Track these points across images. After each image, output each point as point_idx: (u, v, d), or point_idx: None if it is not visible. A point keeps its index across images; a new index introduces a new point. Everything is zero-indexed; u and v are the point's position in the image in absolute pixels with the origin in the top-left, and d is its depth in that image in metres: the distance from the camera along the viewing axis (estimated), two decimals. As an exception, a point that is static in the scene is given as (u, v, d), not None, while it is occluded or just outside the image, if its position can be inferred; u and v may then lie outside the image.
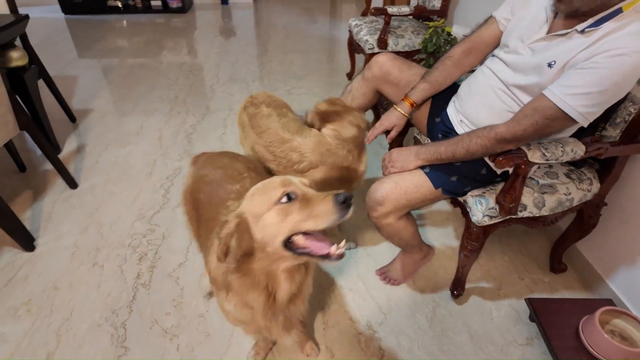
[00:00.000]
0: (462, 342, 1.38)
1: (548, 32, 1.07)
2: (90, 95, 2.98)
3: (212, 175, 1.17)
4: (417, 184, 1.24)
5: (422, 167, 1.26)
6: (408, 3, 3.33)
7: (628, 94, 1.19)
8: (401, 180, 1.24)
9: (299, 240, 0.79)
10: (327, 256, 0.80)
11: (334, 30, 4.53)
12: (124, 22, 4.74)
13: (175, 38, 4.24)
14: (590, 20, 0.98)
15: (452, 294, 1.52)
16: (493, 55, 1.26)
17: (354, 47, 2.97)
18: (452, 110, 1.36)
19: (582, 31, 0.99)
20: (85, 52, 3.79)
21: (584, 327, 1.31)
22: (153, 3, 5.02)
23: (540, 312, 1.39)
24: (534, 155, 1.11)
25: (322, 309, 1.48)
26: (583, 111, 0.99)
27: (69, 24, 4.62)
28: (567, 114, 1.00)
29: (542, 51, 1.07)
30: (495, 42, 1.29)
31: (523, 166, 1.14)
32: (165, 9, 5.03)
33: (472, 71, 1.40)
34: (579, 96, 0.97)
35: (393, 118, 1.43)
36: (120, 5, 4.94)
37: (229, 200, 1.01)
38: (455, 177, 1.24)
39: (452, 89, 1.41)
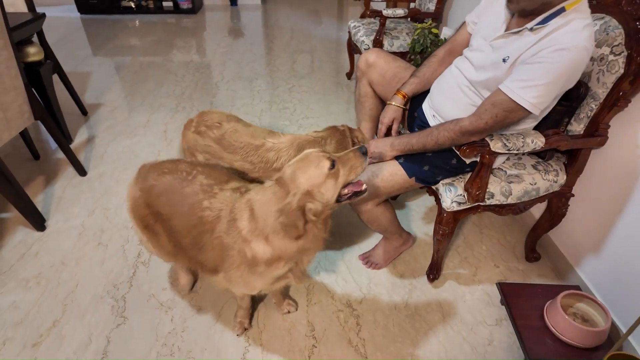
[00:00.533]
0: (434, 321, 1.48)
1: (505, 30, 1.18)
2: (102, 90, 3.14)
3: (161, 184, 1.18)
4: (392, 172, 1.35)
5: (396, 158, 1.36)
6: (409, 6, 3.43)
7: (590, 90, 1.29)
8: (377, 170, 1.35)
9: (343, 190, 1.06)
10: (362, 192, 1.09)
11: (338, 31, 4.65)
12: (137, 21, 4.92)
13: (184, 37, 4.40)
14: (539, 19, 1.09)
15: (428, 277, 1.62)
16: (462, 55, 1.37)
17: (352, 47, 3.08)
18: (426, 105, 1.47)
19: (532, 29, 1.10)
20: (99, 50, 3.97)
21: (548, 309, 1.39)
22: (165, 4, 5.20)
23: (509, 295, 1.48)
24: (496, 146, 1.21)
25: (307, 287, 1.59)
26: (534, 102, 1.09)
27: (84, 23, 4.82)
28: (520, 106, 1.10)
29: (499, 48, 1.18)
30: (467, 43, 1.40)
31: (487, 155, 1.24)
32: (176, 9, 5.20)
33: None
34: (529, 89, 1.08)
35: (390, 112, 1.51)
36: (133, 5, 5.13)
37: (204, 199, 1.12)
38: (427, 167, 1.35)
39: (426, 90, 1.53)
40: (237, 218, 1.07)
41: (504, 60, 1.14)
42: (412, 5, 3.02)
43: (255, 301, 1.53)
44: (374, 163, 1.39)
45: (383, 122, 1.52)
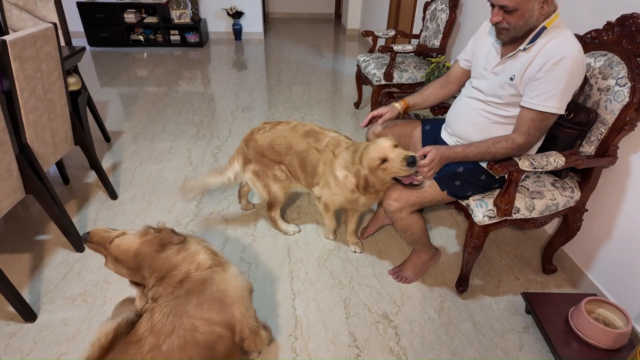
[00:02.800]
0: (466, 329, 1.58)
1: (501, 59, 1.42)
2: (121, 119, 3.26)
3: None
4: (428, 184, 1.49)
5: None
6: (409, 42, 3.70)
7: (599, 116, 1.48)
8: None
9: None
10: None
11: (338, 64, 4.92)
12: (145, 54, 5.12)
13: (194, 69, 4.59)
14: (528, 40, 1.33)
15: (457, 289, 1.73)
16: (469, 85, 1.59)
17: (361, 79, 3.29)
18: (445, 135, 1.68)
19: (524, 49, 1.34)
20: (113, 81, 4.12)
21: (573, 314, 1.52)
22: (172, 38, 5.43)
23: (535, 304, 1.60)
24: (524, 164, 1.37)
25: (343, 301, 1.68)
26: (559, 106, 1.31)
27: (94, 55, 4.99)
28: (550, 113, 1.32)
29: (502, 72, 1.42)
30: (462, 77, 1.69)
31: (515, 173, 1.40)
32: (184, 42, 5.43)
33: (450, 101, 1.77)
34: (549, 99, 1.30)
35: (388, 107, 1.72)
36: (142, 39, 5.34)
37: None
38: (459, 182, 1.50)
39: (435, 130, 1.75)
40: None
41: (511, 79, 1.37)
42: (413, 41, 3.27)
43: (298, 316, 1.61)
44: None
45: (379, 110, 1.71)
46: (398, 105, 1.72)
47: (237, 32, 5.80)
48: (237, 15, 5.61)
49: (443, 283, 1.79)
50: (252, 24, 5.86)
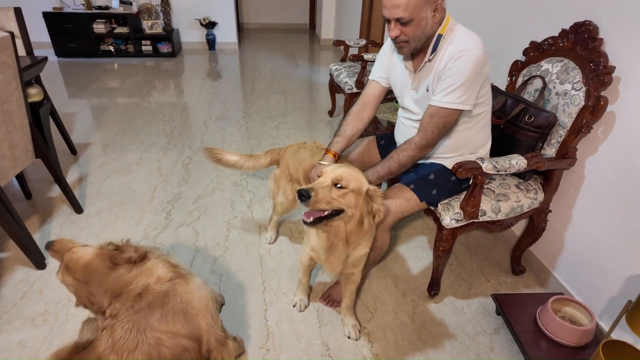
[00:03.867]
0: (439, 333, 1.58)
1: (414, 72, 1.44)
2: (89, 130, 3.17)
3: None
4: (407, 198, 1.49)
5: (407, 185, 1.51)
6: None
7: (558, 119, 1.52)
8: (394, 196, 1.49)
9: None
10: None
11: (313, 73, 4.95)
12: (115, 64, 5.02)
13: (167, 79, 4.53)
14: (429, 51, 1.36)
15: (429, 293, 1.74)
16: (400, 108, 1.60)
17: (334, 88, 3.32)
18: None
19: (429, 60, 1.37)
20: (82, 92, 4.01)
21: (540, 314, 1.54)
22: (144, 48, 5.35)
23: (504, 305, 1.62)
24: (487, 167, 1.40)
25: (316, 310, 1.66)
26: (460, 101, 1.32)
27: (62, 66, 4.86)
28: (451, 109, 1.33)
29: (418, 87, 1.45)
30: (379, 96, 1.61)
31: (479, 176, 1.42)
32: (156, 53, 5.36)
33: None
34: (450, 94, 1.31)
35: (316, 169, 1.54)
36: (112, 49, 5.24)
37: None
38: (435, 190, 1.51)
39: (390, 143, 1.73)
40: None
41: (427, 90, 1.40)
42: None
43: (270, 327, 1.58)
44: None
45: (314, 178, 1.53)
46: (327, 162, 1.55)
47: (211, 42, 5.77)
48: (210, 25, 5.59)
49: (416, 287, 1.80)
50: (226, 34, 5.85)
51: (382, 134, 1.82)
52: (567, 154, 1.53)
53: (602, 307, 1.53)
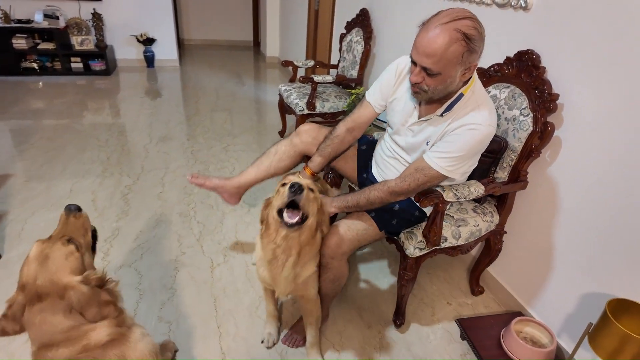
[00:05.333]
0: (408, 366, 1.54)
1: (419, 118, 1.37)
2: (9, 159, 2.81)
3: None
4: (366, 226, 1.44)
5: (369, 212, 1.46)
6: (328, 72, 3.76)
7: (508, 144, 1.57)
8: (352, 225, 1.42)
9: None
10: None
11: (260, 92, 4.85)
12: (40, 83, 4.56)
13: (100, 100, 4.19)
14: (444, 106, 1.29)
15: (395, 323, 1.70)
16: (388, 137, 1.55)
17: (284, 108, 3.25)
18: (376, 171, 1.63)
19: (441, 115, 1.30)
20: (1, 115, 3.58)
21: (504, 337, 1.55)
22: (74, 65, 4.93)
23: (468, 329, 1.62)
24: (448, 195, 1.39)
25: (279, 354, 1.55)
26: (449, 169, 1.29)
27: (-25, 85, 4.32)
28: (438, 172, 1.30)
29: (418, 132, 1.38)
30: (371, 119, 1.57)
31: (440, 204, 1.41)
32: (88, 71, 4.96)
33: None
34: (445, 159, 1.28)
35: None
36: (36, 66, 4.76)
37: None
38: (395, 220, 1.47)
39: (371, 150, 1.70)
40: None
41: (427, 143, 1.35)
42: (332, 71, 3.32)
43: (229, 376, 1.43)
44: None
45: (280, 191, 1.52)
46: (304, 177, 1.48)
47: (149, 59, 5.47)
48: (148, 41, 5.30)
49: (380, 317, 1.74)
50: (166, 51, 5.58)
51: (364, 139, 1.72)
52: (519, 177, 1.57)
53: (560, 325, 1.57)
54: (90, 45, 4.89)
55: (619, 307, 1.18)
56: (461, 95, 1.27)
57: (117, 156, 2.97)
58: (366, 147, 1.72)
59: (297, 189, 1.15)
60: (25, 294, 0.96)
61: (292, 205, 1.17)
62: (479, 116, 1.25)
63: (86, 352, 0.97)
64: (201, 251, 2.05)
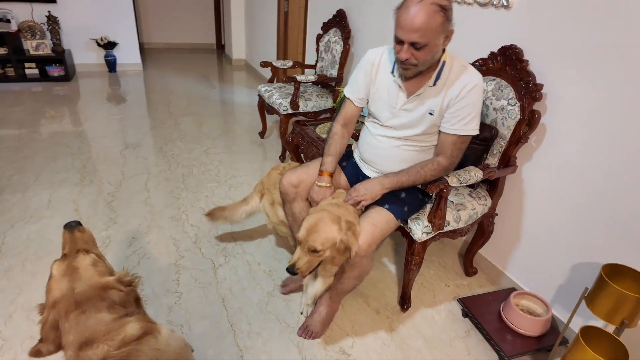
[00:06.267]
0: (419, 346, 1.61)
1: (408, 96, 1.45)
2: (-28, 171, 2.61)
3: None
4: (387, 220, 1.48)
5: (381, 204, 1.51)
6: (303, 72, 3.81)
7: (498, 132, 1.69)
8: (376, 222, 1.46)
9: None
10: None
11: (231, 94, 4.81)
12: (-8, 91, 4.25)
13: (63, 107, 3.97)
14: (434, 76, 1.39)
15: (402, 307, 1.77)
16: (378, 125, 1.58)
17: (265, 109, 3.25)
18: (371, 173, 1.64)
19: (434, 84, 1.40)
20: (-50, 125, 3.30)
21: (504, 310, 1.67)
22: (28, 71, 4.64)
23: (471, 307, 1.72)
24: (452, 181, 1.49)
25: (296, 345, 1.57)
26: (476, 127, 1.45)
27: None
28: (470, 135, 1.46)
29: (415, 108, 1.45)
30: (357, 113, 1.65)
31: (445, 190, 1.50)
32: (44, 77, 4.68)
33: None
34: (470, 122, 1.43)
35: (322, 193, 1.57)
36: (-15, 73, 4.44)
37: None
38: (406, 208, 1.54)
39: (348, 161, 1.75)
40: None
41: (430, 113, 1.43)
42: (307, 71, 3.37)
43: (250, 371, 1.44)
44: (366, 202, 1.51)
45: (316, 200, 1.57)
46: (325, 183, 1.56)
47: (111, 64, 5.25)
48: (109, 45, 5.09)
49: (386, 303, 1.81)
50: (128, 55, 5.38)
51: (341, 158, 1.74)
52: (509, 162, 1.70)
53: (552, 296, 1.71)
54: (46, 49, 4.62)
55: (611, 271, 1.31)
56: (444, 62, 1.39)
57: (94, 163, 2.84)
58: (346, 163, 1.74)
59: (294, 273, 1.40)
60: (59, 309, 0.96)
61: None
62: (471, 75, 1.40)
63: (123, 346, 0.97)
64: (200, 254, 2.02)
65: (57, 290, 0.97)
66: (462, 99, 1.39)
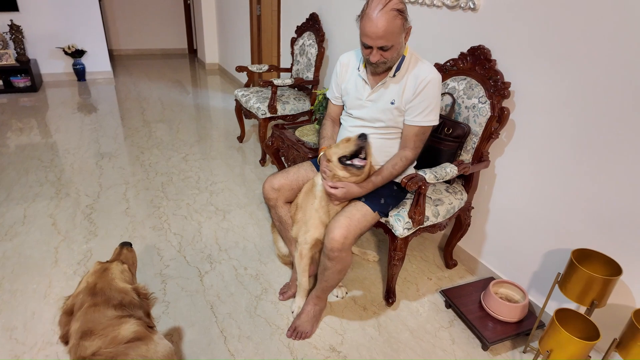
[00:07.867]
0: (406, 339, 1.67)
1: (372, 88, 1.61)
2: (-62, 190, 2.51)
3: None
4: (364, 213, 1.54)
5: (358, 198, 1.58)
6: (279, 75, 3.84)
7: (471, 129, 1.77)
8: (351, 215, 1.52)
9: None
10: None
11: (206, 99, 4.77)
12: (-47, 105, 4.08)
13: (30, 118, 3.85)
14: (394, 68, 1.55)
15: (387, 302, 1.83)
16: (348, 117, 1.73)
17: (243, 113, 3.26)
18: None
19: (393, 76, 1.55)
20: None
21: (484, 299, 1.75)
22: (-9, 83, 4.47)
23: (453, 298, 1.79)
24: (430, 177, 1.55)
25: (287, 347, 1.60)
26: (435, 118, 1.58)
27: None
28: (430, 126, 1.59)
29: (379, 99, 1.60)
30: (340, 111, 1.83)
31: (423, 186, 1.56)
32: (9, 88, 4.51)
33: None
34: (429, 114, 1.56)
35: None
36: (-55, 86, 4.25)
37: None
38: (382, 199, 1.60)
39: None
40: None
41: (392, 103, 1.57)
42: (282, 75, 3.40)
43: (243, 375, 1.46)
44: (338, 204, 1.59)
45: (323, 169, 1.61)
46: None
47: (80, 73, 5.11)
48: (77, 54, 4.96)
49: (372, 299, 1.86)
50: (98, 63, 5.26)
51: (315, 165, 1.81)
52: (482, 157, 1.78)
53: (528, 283, 1.80)
54: (10, 60, 4.47)
55: (580, 256, 1.41)
56: (403, 56, 1.55)
57: (68, 175, 2.78)
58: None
59: (365, 138, 1.50)
60: (79, 298, 1.08)
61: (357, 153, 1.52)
62: (425, 69, 1.54)
63: (113, 344, 1.02)
64: (185, 262, 2.02)
65: (84, 283, 1.12)
66: (420, 94, 1.53)
